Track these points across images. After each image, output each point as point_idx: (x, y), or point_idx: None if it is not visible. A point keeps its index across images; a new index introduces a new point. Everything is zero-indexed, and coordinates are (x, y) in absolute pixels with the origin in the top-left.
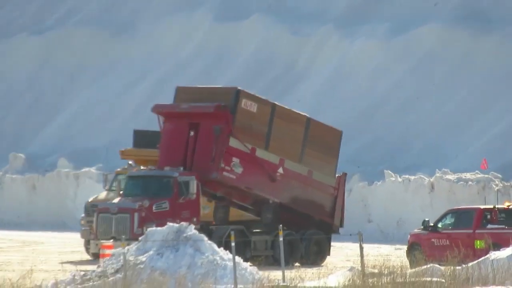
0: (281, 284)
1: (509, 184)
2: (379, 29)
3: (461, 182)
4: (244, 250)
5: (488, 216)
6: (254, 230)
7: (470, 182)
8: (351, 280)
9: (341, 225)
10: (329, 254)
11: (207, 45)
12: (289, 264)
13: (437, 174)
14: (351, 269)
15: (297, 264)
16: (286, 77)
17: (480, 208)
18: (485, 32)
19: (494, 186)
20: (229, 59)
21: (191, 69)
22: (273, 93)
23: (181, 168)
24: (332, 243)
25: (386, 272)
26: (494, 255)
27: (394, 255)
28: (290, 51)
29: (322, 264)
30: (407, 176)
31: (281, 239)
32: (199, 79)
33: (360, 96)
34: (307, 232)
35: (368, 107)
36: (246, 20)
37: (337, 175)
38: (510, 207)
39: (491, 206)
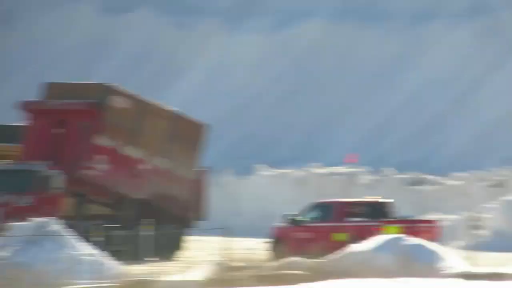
0: (143, 278)
1: (377, 177)
2: (263, 23)
3: (331, 176)
4: (103, 245)
5: (348, 210)
6: (113, 225)
7: (338, 176)
8: (214, 273)
9: (201, 218)
10: (181, 249)
11: (89, 37)
12: (144, 259)
13: (307, 168)
14: (215, 263)
15: (153, 258)
16: (167, 71)
17: (339, 201)
18: (365, 28)
19: (362, 179)
20: (111, 52)
21: (71, 62)
22: (154, 87)
23: (46, 163)
24: (198, 237)
25: (250, 265)
26: (353, 248)
27: (261, 248)
28: (173, 45)
29: (177, 258)
30: (277, 170)
31: (146, 233)
32: (78, 73)
33: (238, 90)
34: (164, 226)
35: (245, 101)
36: (130, 12)
37: (198, 169)
38: (368, 199)
39: (352, 200)
